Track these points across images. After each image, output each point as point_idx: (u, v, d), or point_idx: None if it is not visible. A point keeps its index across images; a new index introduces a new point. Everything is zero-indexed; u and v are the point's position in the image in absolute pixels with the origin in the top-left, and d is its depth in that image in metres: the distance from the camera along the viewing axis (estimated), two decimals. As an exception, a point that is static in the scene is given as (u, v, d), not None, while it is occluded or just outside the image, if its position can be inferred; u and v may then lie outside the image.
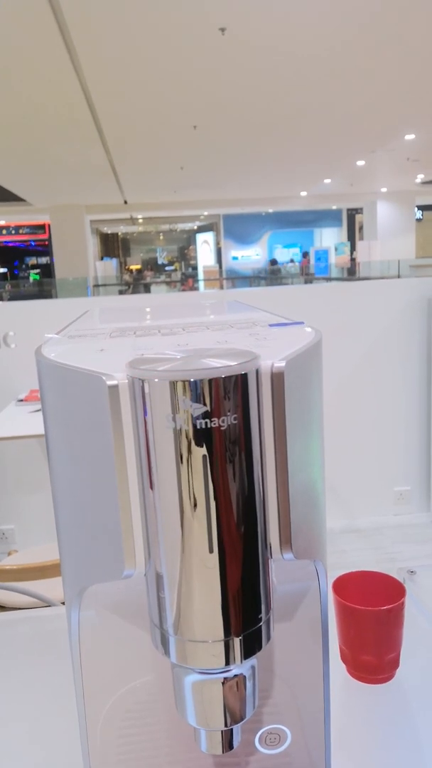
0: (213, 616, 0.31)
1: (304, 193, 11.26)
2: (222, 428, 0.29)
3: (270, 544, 0.33)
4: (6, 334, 2.77)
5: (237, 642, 0.31)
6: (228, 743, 0.35)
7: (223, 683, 0.32)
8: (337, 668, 0.74)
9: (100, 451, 0.32)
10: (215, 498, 0.30)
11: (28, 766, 0.58)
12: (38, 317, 2.84)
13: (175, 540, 0.30)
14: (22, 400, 2.71)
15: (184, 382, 0.28)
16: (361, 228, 12.92)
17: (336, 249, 10.97)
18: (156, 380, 0.29)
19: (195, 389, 0.28)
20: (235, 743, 0.35)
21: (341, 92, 4.71)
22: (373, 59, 3.96)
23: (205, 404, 0.28)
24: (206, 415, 0.28)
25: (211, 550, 0.30)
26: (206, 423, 0.28)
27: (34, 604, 1.26)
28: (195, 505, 0.30)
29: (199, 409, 0.28)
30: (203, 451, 0.29)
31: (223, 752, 0.35)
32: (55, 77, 3.95)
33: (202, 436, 0.29)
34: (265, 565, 0.32)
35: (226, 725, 0.33)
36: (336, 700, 0.68)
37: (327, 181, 9.77)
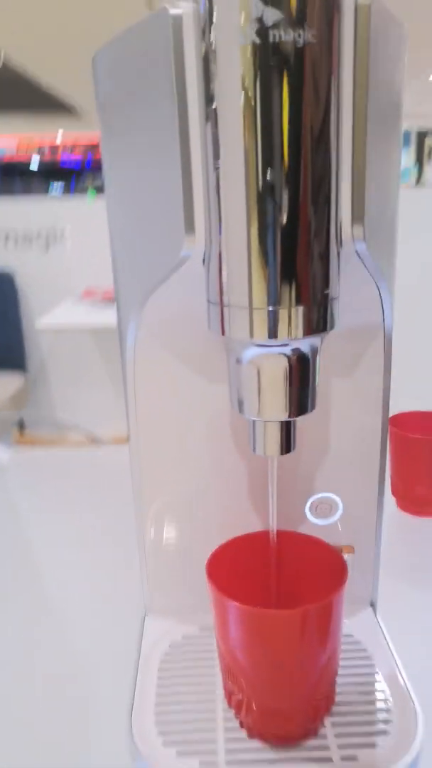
0: (276, 281, 0.29)
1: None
2: (299, 45, 0.26)
3: (341, 225, 0.31)
4: (63, 229, 2.77)
5: (299, 312, 0.30)
6: (286, 444, 0.34)
7: (286, 359, 0.31)
8: (389, 500, 0.73)
9: (159, 100, 0.30)
10: (289, 136, 0.27)
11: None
12: (95, 214, 2.82)
13: (241, 194, 0.28)
14: (82, 297, 2.73)
15: None
16: (430, 152, 12.15)
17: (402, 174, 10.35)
18: None
19: None
20: (293, 447, 0.35)
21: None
22: None
23: (280, 9, 0.25)
24: (281, 26, 0.26)
25: (279, 205, 0.28)
26: (280, 35, 0.26)
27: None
28: (265, 145, 0.27)
29: (273, 14, 0.25)
30: (277, 69, 0.26)
31: (282, 453, 0.34)
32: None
33: (277, 51, 0.26)
34: (335, 242, 0.30)
35: (288, 413, 0.32)
36: (384, 530, 0.68)
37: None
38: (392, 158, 0.35)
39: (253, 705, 0.38)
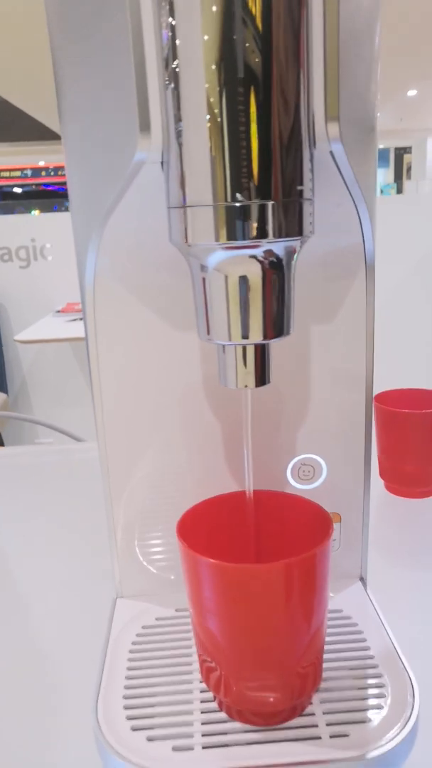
0: (242, 172, 0.26)
1: (350, 131, 10.78)
2: None
3: (313, 121, 0.27)
4: (43, 246, 2.75)
5: (269, 207, 0.26)
6: (260, 374, 0.30)
7: (257, 263, 0.28)
8: (376, 483, 0.70)
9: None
10: (253, 21, 0.24)
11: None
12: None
13: (201, 83, 0.25)
14: (59, 311, 2.70)
15: None
16: (409, 169, 12.39)
17: (381, 191, 10.62)
18: None
19: None
20: (269, 379, 0.31)
21: (390, 6, 4.40)
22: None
23: None
24: None
25: (244, 92, 0.25)
26: None
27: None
28: (226, 29, 0.24)
29: None
30: None
31: (256, 385, 0.31)
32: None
33: None
34: (307, 136, 0.27)
35: (263, 332, 0.29)
36: (371, 513, 0.64)
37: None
38: (368, 63, 0.32)
39: (232, 680, 0.34)
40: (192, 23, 0.25)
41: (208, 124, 0.26)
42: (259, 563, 0.35)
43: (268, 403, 0.42)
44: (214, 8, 0.25)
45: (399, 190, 11.13)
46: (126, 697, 0.37)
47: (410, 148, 11.87)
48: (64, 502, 0.71)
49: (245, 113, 0.26)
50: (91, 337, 0.39)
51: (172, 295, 0.37)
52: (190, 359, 0.40)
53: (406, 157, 12.50)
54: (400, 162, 12.83)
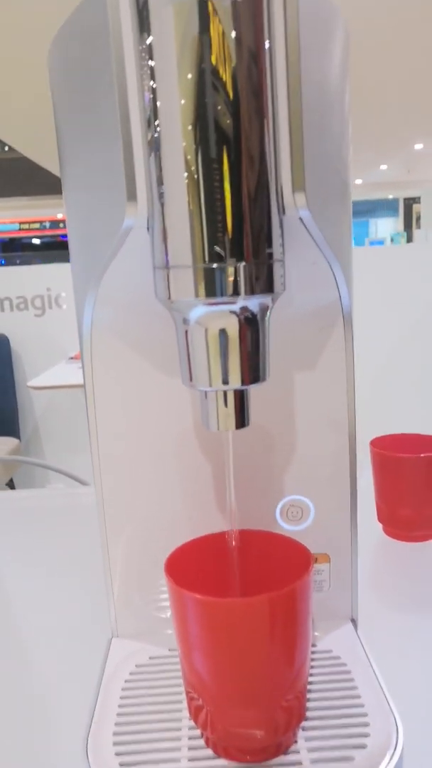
0: (218, 237, 0.29)
1: (359, 181, 11.07)
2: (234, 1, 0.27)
3: (281, 190, 0.31)
4: (58, 295, 2.82)
5: (242, 268, 0.29)
6: (239, 417, 0.33)
7: (234, 316, 0.30)
8: (374, 528, 0.71)
9: (100, 76, 0.30)
10: (225, 96, 0.28)
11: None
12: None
13: (179, 156, 0.29)
14: (72, 358, 2.76)
15: None
16: (418, 218, 12.61)
17: (392, 240, 10.77)
18: None
19: None
20: (248, 421, 0.33)
21: (396, 64, 4.58)
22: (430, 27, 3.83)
23: None
24: None
25: (217, 166, 0.28)
26: None
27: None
28: (200, 104, 0.28)
29: None
30: (211, 28, 0.27)
31: (236, 427, 0.33)
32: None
33: (210, 10, 0.27)
34: (276, 205, 0.30)
35: (241, 378, 0.31)
36: (368, 557, 0.65)
37: (383, 167, 9.57)
38: (338, 129, 0.35)
39: (217, 716, 0.35)
40: (169, 87, 0.29)
41: (186, 192, 0.29)
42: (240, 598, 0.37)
43: (257, 446, 0.44)
44: (189, 76, 0.28)
45: (409, 239, 11.30)
46: (116, 734, 0.38)
47: (419, 198, 12.11)
48: (67, 544, 0.72)
49: (218, 181, 0.29)
50: (89, 384, 0.42)
51: (163, 345, 0.40)
52: (183, 406, 0.43)
53: (415, 206, 12.75)
54: (409, 211, 13.09)
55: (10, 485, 2.64)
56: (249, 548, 0.40)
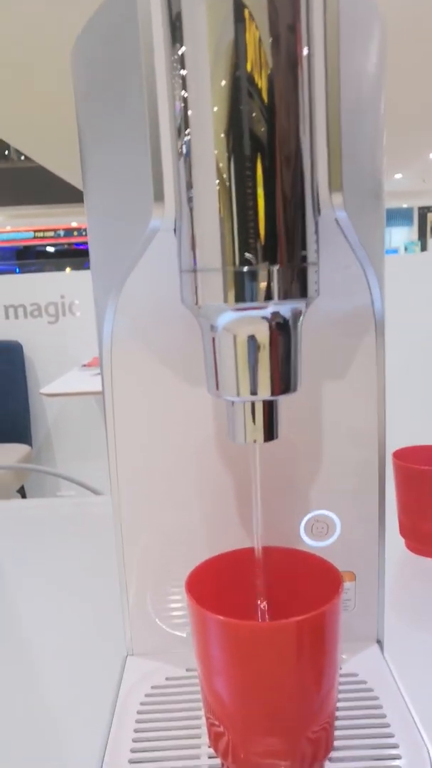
0: (249, 239, 0.27)
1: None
2: None
3: (317, 190, 0.29)
4: (72, 302, 2.82)
5: (275, 271, 0.28)
6: (268, 430, 0.31)
7: (264, 323, 0.29)
8: (396, 542, 0.68)
9: (128, 74, 0.29)
10: (259, 94, 0.26)
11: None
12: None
13: (210, 156, 0.27)
14: (85, 365, 2.75)
15: None
16: (432, 228, 12.57)
17: (405, 249, 10.74)
18: None
19: None
20: (277, 434, 0.31)
21: (412, 73, 4.56)
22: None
23: None
24: None
25: (250, 165, 0.27)
26: None
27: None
28: (234, 103, 0.26)
29: None
30: (246, 24, 0.25)
31: (265, 440, 0.31)
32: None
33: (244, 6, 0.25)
34: (311, 205, 0.29)
35: (270, 388, 0.29)
36: (391, 572, 0.63)
37: (398, 176, 9.55)
38: (373, 133, 0.33)
39: (240, 745, 0.33)
40: (203, 96, 0.27)
41: (217, 194, 0.27)
42: (267, 621, 0.35)
43: (281, 458, 0.42)
44: (223, 83, 0.27)
45: (423, 248, 11.26)
46: (132, 761, 0.36)
47: (433, 207, 12.07)
48: (78, 556, 0.71)
49: (252, 183, 0.27)
50: (108, 393, 0.40)
51: (186, 353, 0.39)
52: (204, 415, 0.41)
53: (429, 216, 12.70)
54: (423, 220, 13.04)
55: (21, 492, 2.63)
56: (275, 566, 0.38)
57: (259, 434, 0.31)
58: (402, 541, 0.69)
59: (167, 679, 0.43)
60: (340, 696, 0.40)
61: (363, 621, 0.46)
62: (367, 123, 0.33)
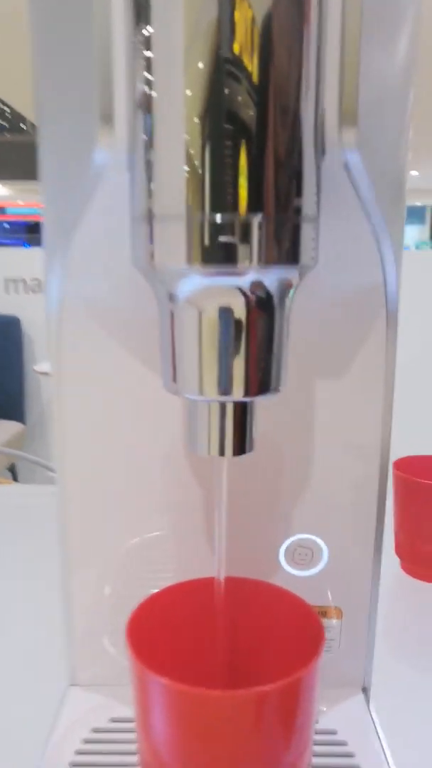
0: (225, 177, 0.20)
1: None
2: None
3: (322, 123, 0.21)
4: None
5: (258, 223, 0.20)
6: (239, 441, 0.24)
7: (240, 295, 0.21)
8: (391, 562, 0.61)
9: None
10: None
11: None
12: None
13: (178, 66, 0.19)
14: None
15: None
16: (445, 228, 12.45)
17: (416, 248, 10.67)
18: None
19: None
20: (251, 446, 0.24)
21: (426, 70, 4.43)
22: None
23: None
24: None
25: (229, 78, 0.19)
26: None
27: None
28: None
29: None
30: None
31: (234, 453, 0.24)
32: None
33: None
34: (312, 141, 0.21)
35: (245, 386, 0.22)
36: (383, 599, 0.56)
37: (414, 173, 9.41)
38: (400, 117, 0.26)
39: None
40: None
41: (184, 114, 0.20)
42: (229, 682, 0.28)
43: (259, 469, 0.35)
44: None
45: (435, 248, 11.14)
46: None
47: (448, 207, 11.93)
48: (29, 551, 0.63)
49: (232, 102, 0.20)
50: (55, 377, 0.33)
51: (151, 332, 0.31)
52: (172, 410, 0.34)
53: (442, 215, 12.54)
54: (436, 220, 12.87)
55: (12, 470, 2.57)
56: (241, 603, 0.31)
57: (227, 446, 0.24)
58: (397, 561, 0.62)
59: (112, 720, 0.37)
60: (316, 759, 0.33)
61: (348, 664, 0.39)
62: (396, 105, 0.26)
